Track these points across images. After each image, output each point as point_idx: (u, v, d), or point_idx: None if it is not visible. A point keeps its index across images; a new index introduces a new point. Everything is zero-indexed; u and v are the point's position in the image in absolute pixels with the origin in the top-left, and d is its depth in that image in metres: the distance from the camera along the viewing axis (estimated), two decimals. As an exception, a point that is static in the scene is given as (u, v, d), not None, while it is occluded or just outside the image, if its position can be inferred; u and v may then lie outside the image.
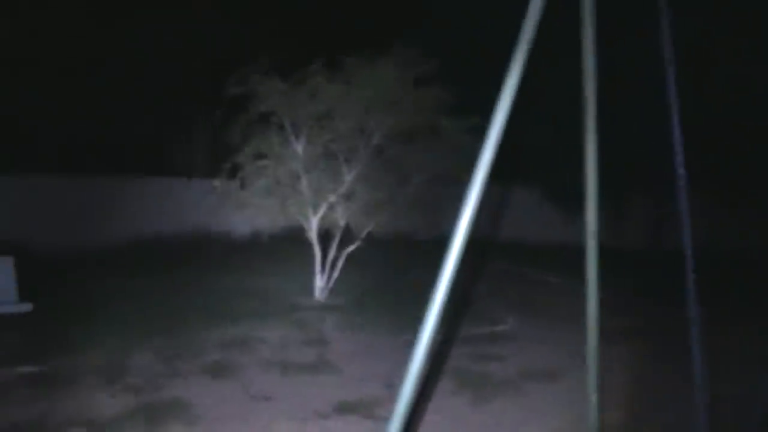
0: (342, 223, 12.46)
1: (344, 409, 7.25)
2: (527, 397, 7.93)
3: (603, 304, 4.11)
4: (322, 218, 12.30)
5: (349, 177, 12.05)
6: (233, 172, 12.00)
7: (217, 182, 12.34)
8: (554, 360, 9.27)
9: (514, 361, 9.32)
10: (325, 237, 12.60)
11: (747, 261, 17.11)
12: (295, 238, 12.93)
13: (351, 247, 12.58)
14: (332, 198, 12.10)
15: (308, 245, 12.44)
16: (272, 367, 8.57)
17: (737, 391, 7.67)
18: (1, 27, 16.44)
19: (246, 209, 12.43)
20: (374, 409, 7.24)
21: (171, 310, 10.73)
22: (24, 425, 6.31)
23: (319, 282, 12.37)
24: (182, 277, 12.80)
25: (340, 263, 12.55)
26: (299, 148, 11.94)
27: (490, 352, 9.64)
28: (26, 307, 8.62)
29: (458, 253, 3.21)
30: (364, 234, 12.50)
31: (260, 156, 11.85)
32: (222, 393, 7.58)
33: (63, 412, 6.70)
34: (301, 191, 12.03)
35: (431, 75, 11.50)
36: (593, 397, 4.10)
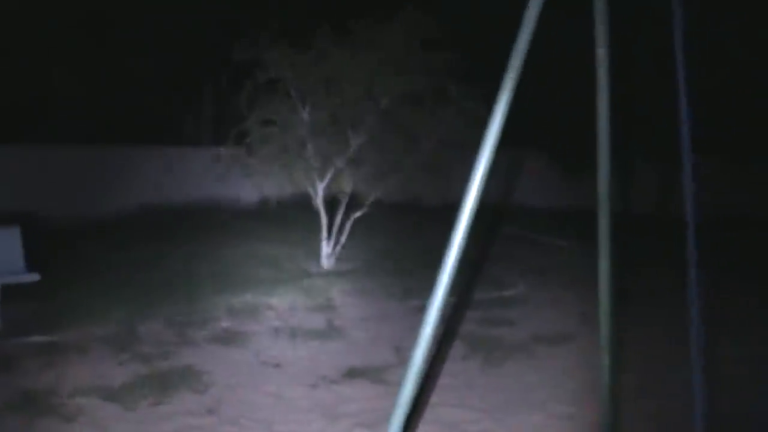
0: (349, 189, 12.39)
1: (354, 374, 7.25)
2: (538, 360, 7.93)
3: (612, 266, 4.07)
4: (329, 184, 12.24)
5: (356, 142, 11.96)
6: (240, 139, 11.95)
7: (222, 149, 12.31)
8: (564, 323, 9.28)
9: (524, 324, 9.32)
10: (332, 204, 12.55)
11: (755, 226, 17.05)
12: (303, 204, 12.88)
13: (358, 213, 12.51)
14: (339, 164, 12.02)
15: (316, 212, 12.40)
16: (281, 334, 8.58)
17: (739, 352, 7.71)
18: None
19: (253, 176, 12.40)
20: (384, 374, 7.24)
21: (180, 278, 10.73)
22: (36, 394, 6.31)
23: (327, 249, 12.34)
24: (190, 246, 12.76)
25: (347, 229, 12.50)
26: (305, 113, 11.86)
27: (501, 316, 9.64)
28: (34, 277, 8.58)
29: (468, 219, 3.18)
30: (371, 200, 12.44)
31: (267, 122, 11.78)
32: (232, 360, 7.59)
33: (74, 380, 6.70)
34: (307, 157, 11.96)
35: (439, 38, 11.35)
36: (606, 359, 4.07)
